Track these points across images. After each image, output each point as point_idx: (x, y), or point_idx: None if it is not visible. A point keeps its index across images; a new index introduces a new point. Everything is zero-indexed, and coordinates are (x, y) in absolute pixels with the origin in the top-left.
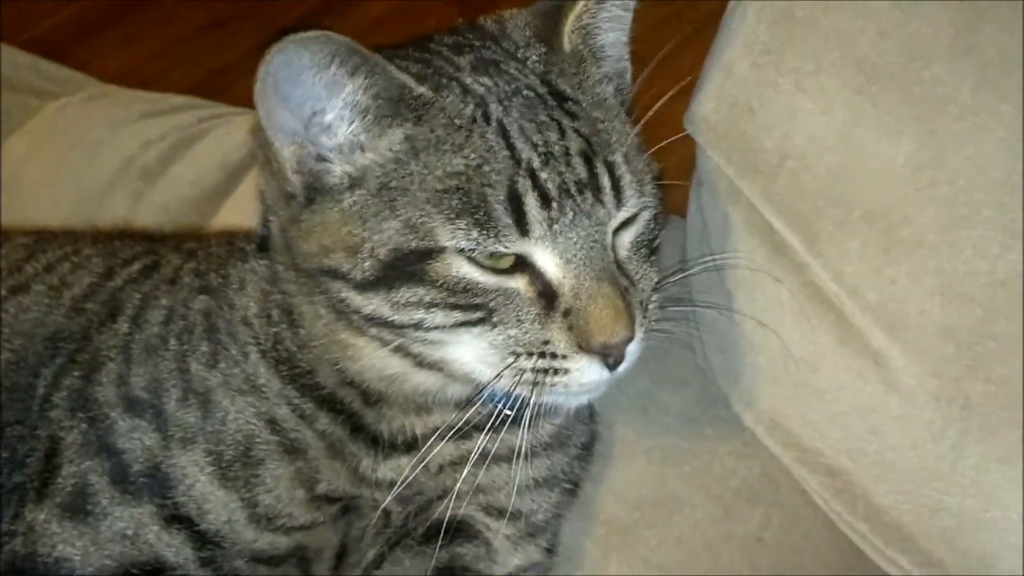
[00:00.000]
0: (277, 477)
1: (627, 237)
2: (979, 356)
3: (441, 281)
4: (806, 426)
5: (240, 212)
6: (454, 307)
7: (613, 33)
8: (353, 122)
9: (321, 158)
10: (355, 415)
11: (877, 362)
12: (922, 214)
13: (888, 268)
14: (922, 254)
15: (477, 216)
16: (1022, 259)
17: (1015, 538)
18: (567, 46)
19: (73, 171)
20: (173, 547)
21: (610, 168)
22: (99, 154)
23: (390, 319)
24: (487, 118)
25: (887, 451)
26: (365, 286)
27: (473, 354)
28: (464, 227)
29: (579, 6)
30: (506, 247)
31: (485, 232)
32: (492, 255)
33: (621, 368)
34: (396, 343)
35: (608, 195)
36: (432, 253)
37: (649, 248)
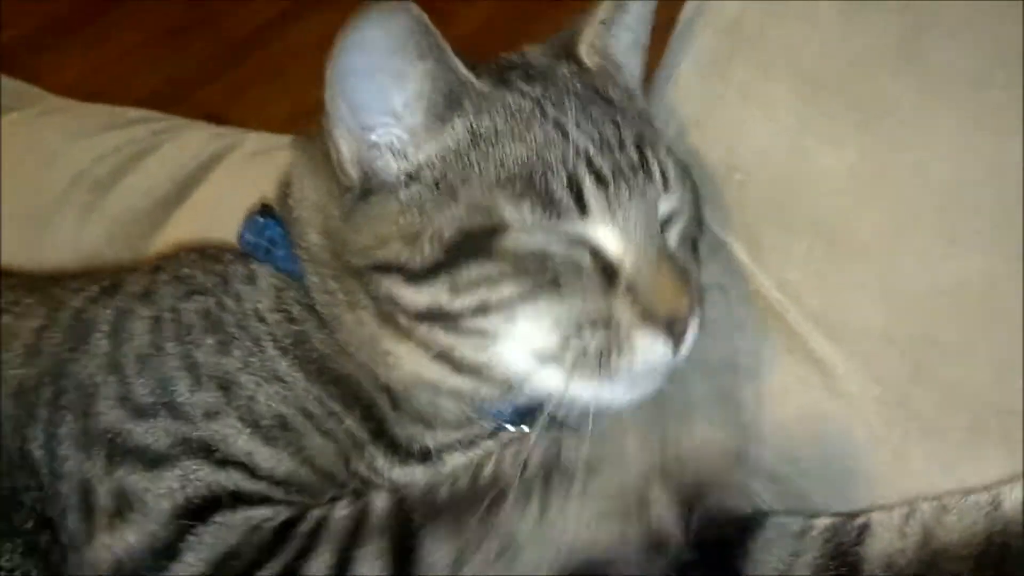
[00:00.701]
0: (320, 447)
1: (674, 231)
2: (920, 362)
3: (510, 253)
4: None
5: (190, 223)
6: (523, 275)
7: (627, 46)
8: (416, 113)
9: (379, 148)
10: (383, 420)
11: (820, 369)
12: (865, 222)
13: (831, 276)
14: (865, 262)
15: (541, 198)
16: (963, 266)
17: None
18: (591, 65)
19: (23, 186)
20: (232, 478)
21: (658, 157)
22: (51, 169)
23: (449, 307)
24: (544, 114)
25: (830, 457)
26: (423, 274)
27: (532, 338)
28: (528, 208)
29: (590, 30)
30: (568, 228)
31: (547, 213)
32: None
33: (683, 349)
34: (441, 347)
35: (658, 179)
36: (499, 229)
37: (694, 245)
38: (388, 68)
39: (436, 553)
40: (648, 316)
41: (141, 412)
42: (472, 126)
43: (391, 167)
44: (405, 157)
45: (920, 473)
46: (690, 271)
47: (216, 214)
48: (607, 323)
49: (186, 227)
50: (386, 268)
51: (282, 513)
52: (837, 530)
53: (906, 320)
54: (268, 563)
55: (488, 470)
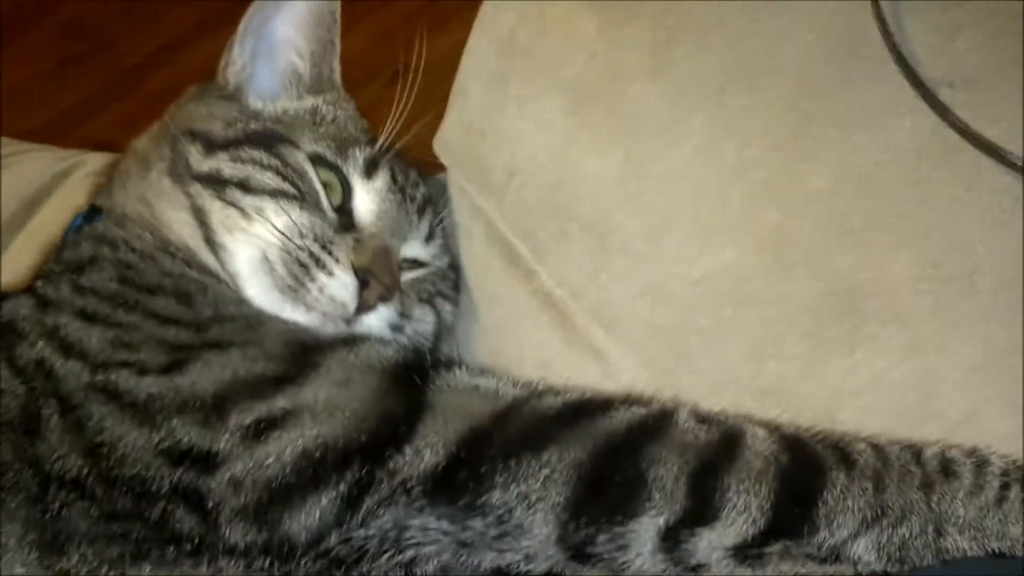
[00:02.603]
0: None
1: (409, 274)
2: (684, 350)
3: (287, 160)
4: None
5: (35, 243)
6: (283, 178)
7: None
8: (290, 81)
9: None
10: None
11: (598, 359)
12: (629, 222)
13: (602, 273)
14: (630, 259)
15: (341, 150)
16: (716, 260)
17: None
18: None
19: None
20: None
21: (432, 219)
22: None
23: (221, 174)
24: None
25: None
26: (220, 145)
27: (268, 229)
28: (327, 147)
29: None
30: (348, 173)
31: (343, 159)
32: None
33: (365, 318)
34: (201, 207)
35: (423, 228)
36: (291, 143)
37: (429, 300)
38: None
39: None
40: (355, 262)
41: (170, 367)
42: (319, 107)
43: (252, 96)
44: (266, 98)
45: None
46: (402, 289)
47: (58, 234)
48: (324, 246)
49: (30, 247)
50: (195, 135)
51: None
52: None
53: (668, 311)
54: None
55: None
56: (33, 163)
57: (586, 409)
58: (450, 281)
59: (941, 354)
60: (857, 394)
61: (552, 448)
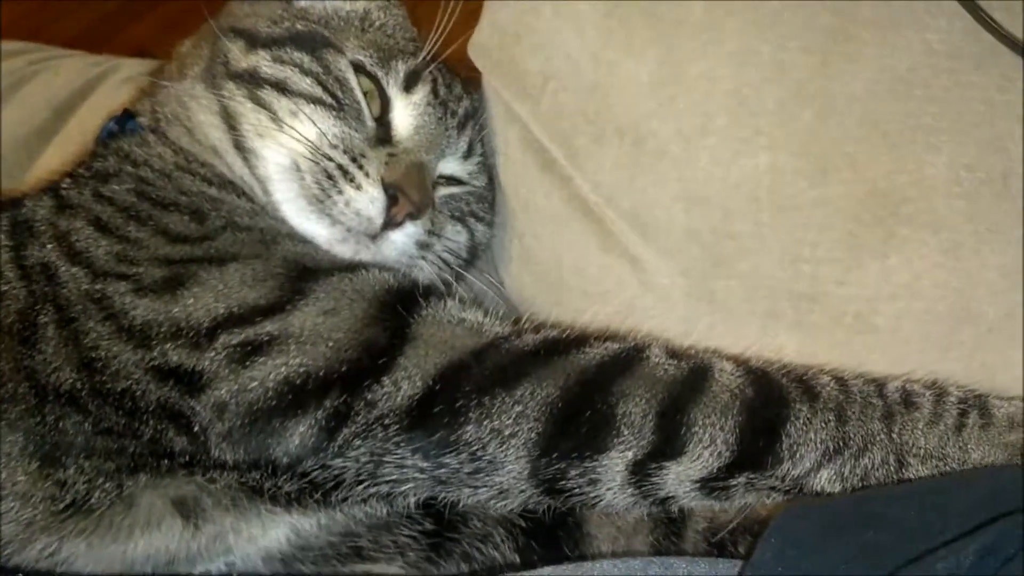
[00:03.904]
0: None
1: (444, 190)
2: (720, 255)
3: (327, 64)
4: None
5: (65, 150)
6: (322, 86)
7: None
8: None
9: None
10: None
11: (634, 265)
12: (664, 126)
13: (638, 178)
14: (666, 163)
15: (384, 60)
16: (751, 163)
17: None
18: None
19: None
20: None
21: (471, 132)
22: None
23: (259, 72)
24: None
25: None
26: (262, 42)
27: (298, 136)
28: (369, 56)
29: None
30: (387, 85)
31: (384, 70)
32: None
33: (392, 234)
34: (233, 110)
35: (462, 144)
36: (335, 48)
37: (461, 218)
38: None
39: None
40: (385, 177)
41: (167, 285)
42: (370, 11)
43: None
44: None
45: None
46: (436, 205)
47: (91, 139)
48: (355, 158)
49: (63, 154)
50: (239, 32)
51: None
52: None
53: (704, 216)
54: None
55: None
56: (64, 70)
57: (561, 345)
58: (486, 203)
59: (976, 257)
60: (893, 298)
61: (525, 384)
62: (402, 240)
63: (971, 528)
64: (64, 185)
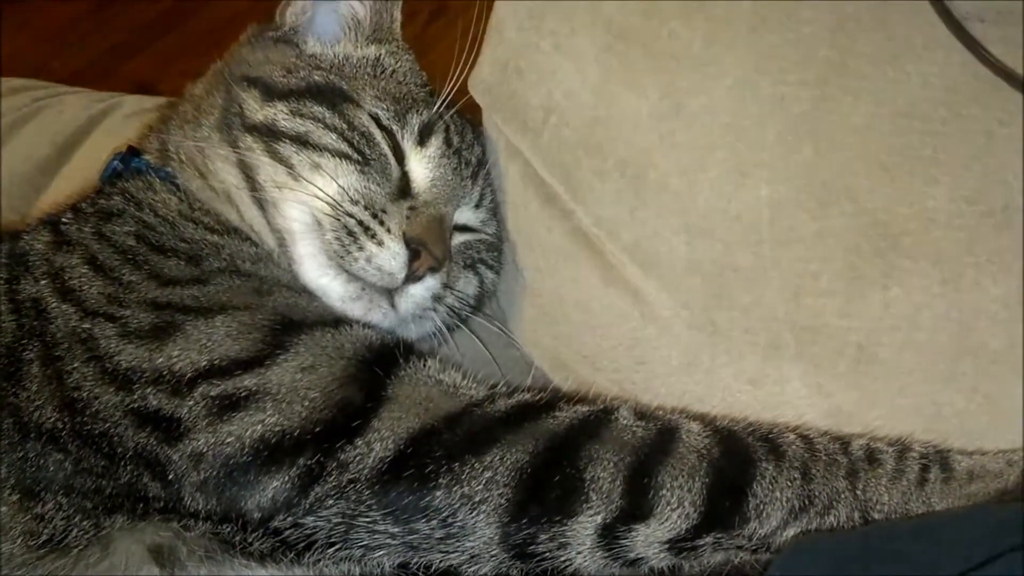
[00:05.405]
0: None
1: (457, 239)
2: (722, 287)
3: (348, 119)
4: (583, 361)
5: (69, 185)
6: (347, 141)
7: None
8: (351, 28)
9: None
10: None
11: (636, 297)
12: (665, 159)
13: (639, 211)
14: (667, 196)
15: (399, 113)
16: (752, 196)
17: None
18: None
19: None
20: None
21: (482, 183)
22: None
23: (277, 126)
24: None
25: (651, 379)
26: (279, 94)
27: (318, 191)
28: (385, 108)
29: None
30: (401, 139)
31: (399, 123)
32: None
33: (412, 288)
34: (250, 161)
35: (475, 193)
36: (354, 102)
37: (473, 266)
38: None
39: None
40: (407, 231)
41: (153, 333)
42: (381, 56)
43: (311, 39)
44: (325, 41)
45: (728, 390)
46: (452, 257)
47: (94, 175)
48: (376, 214)
49: (66, 190)
50: (252, 82)
51: None
52: None
53: (706, 248)
54: None
55: None
56: (68, 106)
57: (531, 410)
58: (496, 251)
59: (977, 289)
60: (894, 330)
61: (495, 450)
62: (421, 293)
63: (976, 563)
64: (65, 219)
